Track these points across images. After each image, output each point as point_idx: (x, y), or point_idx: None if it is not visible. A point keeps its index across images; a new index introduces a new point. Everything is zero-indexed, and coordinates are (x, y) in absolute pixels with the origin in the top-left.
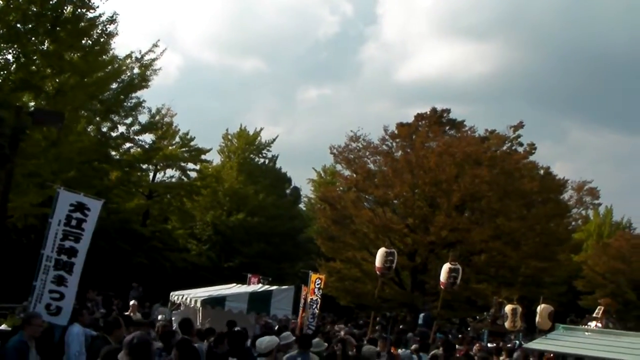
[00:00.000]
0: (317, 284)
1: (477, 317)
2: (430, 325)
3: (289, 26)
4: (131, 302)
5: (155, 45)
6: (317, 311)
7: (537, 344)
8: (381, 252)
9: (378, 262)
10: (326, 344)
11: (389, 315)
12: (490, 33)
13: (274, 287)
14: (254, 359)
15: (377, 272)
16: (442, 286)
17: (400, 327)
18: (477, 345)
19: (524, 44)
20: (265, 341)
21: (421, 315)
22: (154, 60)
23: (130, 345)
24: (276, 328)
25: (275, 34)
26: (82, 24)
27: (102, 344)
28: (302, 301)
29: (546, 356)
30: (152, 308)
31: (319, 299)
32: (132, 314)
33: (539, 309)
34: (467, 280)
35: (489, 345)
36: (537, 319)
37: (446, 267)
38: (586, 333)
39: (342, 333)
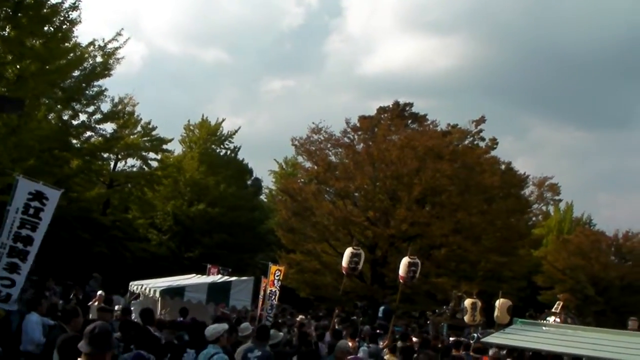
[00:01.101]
0: (277, 276)
1: (437, 310)
2: (390, 319)
3: (254, 17)
4: (99, 293)
5: (118, 34)
6: (275, 303)
7: (494, 338)
8: (348, 252)
9: (344, 262)
10: (281, 334)
11: (360, 305)
12: (455, 28)
13: (234, 278)
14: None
15: (343, 272)
16: (401, 280)
17: (361, 319)
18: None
19: (489, 39)
20: (212, 328)
21: (381, 308)
22: (117, 48)
23: (91, 335)
24: (234, 319)
25: (239, 24)
26: (44, 10)
27: (60, 333)
28: (262, 292)
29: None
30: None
31: (277, 291)
32: (96, 304)
33: (497, 303)
34: (427, 274)
35: (451, 339)
36: (495, 313)
37: (405, 260)
38: (544, 328)
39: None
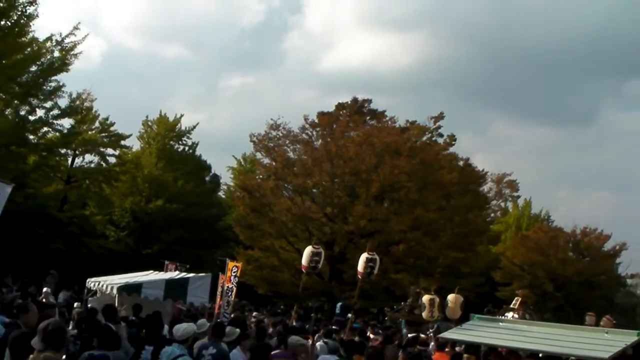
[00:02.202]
0: (234, 272)
1: (395, 307)
2: (347, 314)
3: (215, 14)
4: (44, 289)
5: (75, 28)
6: (232, 299)
7: (452, 334)
8: (308, 251)
9: (304, 260)
10: (238, 330)
11: (316, 305)
12: (416, 25)
13: (191, 275)
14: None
15: (303, 270)
16: (359, 276)
17: (318, 316)
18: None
19: (449, 37)
20: (182, 328)
21: (338, 304)
22: (75, 44)
23: (45, 332)
24: (191, 316)
25: (200, 21)
26: (1, 4)
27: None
28: (220, 289)
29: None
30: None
31: (234, 287)
32: (44, 301)
33: (449, 298)
34: (385, 270)
35: (409, 335)
36: (447, 308)
37: (364, 256)
38: (500, 323)
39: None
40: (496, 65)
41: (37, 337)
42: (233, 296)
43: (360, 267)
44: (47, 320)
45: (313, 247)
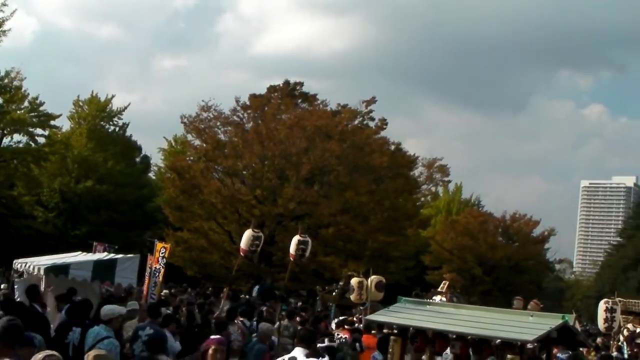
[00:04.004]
0: (162, 253)
1: (326, 287)
2: (266, 298)
3: None
4: None
5: (4, 4)
6: (159, 280)
7: (378, 316)
8: (248, 234)
9: (244, 244)
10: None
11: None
12: (351, 9)
13: (119, 256)
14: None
15: (241, 254)
16: (291, 258)
17: (247, 297)
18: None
19: (384, 22)
20: (107, 309)
21: (255, 287)
22: (3, 20)
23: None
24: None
25: (134, 2)
26: None
27: None
28: (148, 270)
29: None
30: None
31: (162, 268)
32: None
33: (369, 280)
34: (314, 253)
35: (340, 318)
36: (368, 291)
37: (295, 239)
38: (427, 306)
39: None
40: (431, 52)
41: None
42: (161, 277)
43: (292, 249)
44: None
45: (253, 230)
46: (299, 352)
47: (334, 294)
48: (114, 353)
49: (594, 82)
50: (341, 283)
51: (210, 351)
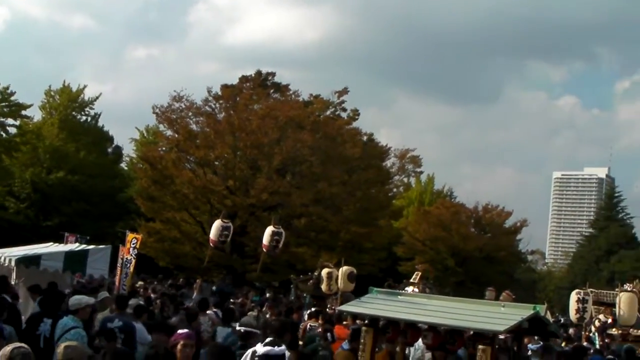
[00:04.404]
0: (133, 244)
1: (301, 276)
2: (225, 298)
3: None
4: None
5: None
6: (130, 271)
7: (350, 307)
8: (217, 224)
9: (213, 234)
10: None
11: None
12: None
13: (91, 247)
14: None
15: (211, 244)
16: (264, 249)
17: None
18: None
19: (357, 13)
20: (74, 299)
21: (213, 287)
22: None
23: None
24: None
25: None
26: None
27: None
28: (120, 261)
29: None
30: None
31: (133, 259)
32: None
33: (340, 271)
34: (287, 244)
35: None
36: (338, 281)
37: (269, 230)
38: (399, 297)
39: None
40: (404, 43)
41: None
42: (132, 268)
43: (265, 240)
44: None
45: (222, 221)
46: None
47: (309, 283)
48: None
49: (567, 74)
50: (316, 273)
51: (179, 346)
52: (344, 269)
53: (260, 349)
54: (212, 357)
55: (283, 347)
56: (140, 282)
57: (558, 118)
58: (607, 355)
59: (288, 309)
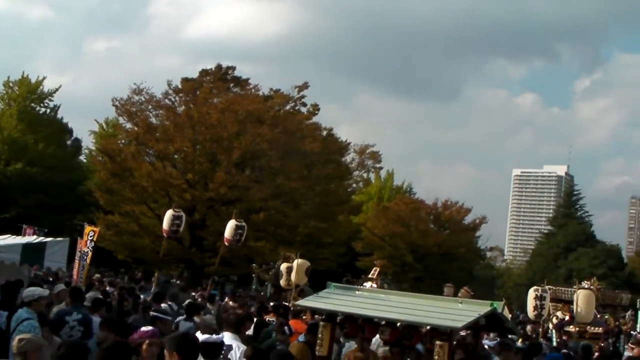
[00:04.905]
0: (90, 236)
1: (263, 265)
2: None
3: None
4: None
5: None
6: (87, 264)
7: (307, 302)
8: (169, 214)
9: (165, 224)
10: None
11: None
12: None
13: (49, 239)
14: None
15: (164, 235)
16: (226, 242)
17: (177, 282)
18: None
19: (320, 8)
20: (28, 291)
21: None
22: None
23: None
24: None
25: None
26: None
27: None
28: (78, 254)
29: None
30: None
31: (90, 252)
32: None
33: (295, 264)
34: (245, 238)
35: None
36: (293, 274)
37: (233, 224)
38: (357, 292)
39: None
40: (365, 39)
41: None
42: (88, 261)
43: (228, 234)
44: None
45: (174, 210)
46: (229, 338)
47: (270, 273)
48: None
49: (527, 72)
50: (278, 263)
51: (144, 345)
52: (300, 262)
53: (199, 336)
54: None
55: (221, 335)
56: (96, 275)
57: (518, 115)
58: (563, 352)
59: (260, 306)
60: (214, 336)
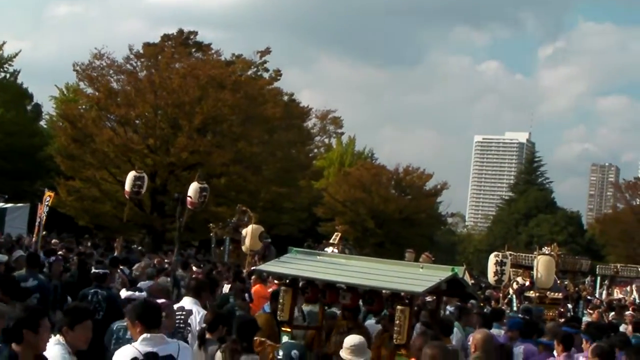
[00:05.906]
0: (46, 202)
1: (220, 224)
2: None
3: None
4: None
5: None
6: (41, 229)
7: (269, 267)
8: (130, 175)
9: (127, 185)
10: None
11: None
12: None
13: (9, 205)
14: None
15: (126, 196)
16: (190, 206)
17: (140, 248)
18: None
19: None
20: None
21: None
22: None
23: None
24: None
25: None
26: None
27: None
28: (38, 220)
29: (271, 282)
30: None
31: (44, 216)
32: None
33: (249, 229)
34: (206, 203)
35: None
36: (247, 239)
37: (196, 186)
38: (318, 257)
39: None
40: (329, 5)
41: None
42: (42, 226)
43: (193, 196)
44: None
45: (136, 171)
46: (188, 302)
47: (226, 229)
48: None
49: (491, 39)
50: (235, 219)
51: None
52: (254, 227)
53: (123, 293)
54: None
55: (144, 293)
56: (54, 240)
57: (481, 82)
58: (519, 314)
59: (237, 272)
60: (137, 293)
